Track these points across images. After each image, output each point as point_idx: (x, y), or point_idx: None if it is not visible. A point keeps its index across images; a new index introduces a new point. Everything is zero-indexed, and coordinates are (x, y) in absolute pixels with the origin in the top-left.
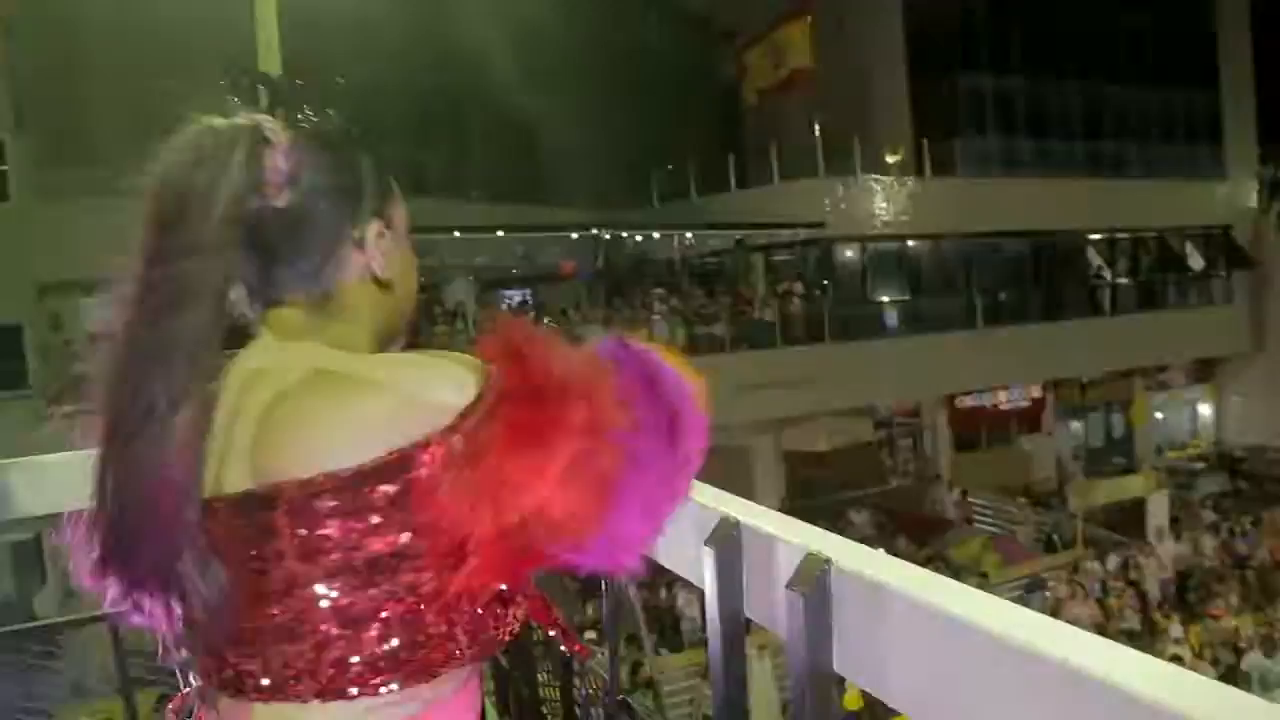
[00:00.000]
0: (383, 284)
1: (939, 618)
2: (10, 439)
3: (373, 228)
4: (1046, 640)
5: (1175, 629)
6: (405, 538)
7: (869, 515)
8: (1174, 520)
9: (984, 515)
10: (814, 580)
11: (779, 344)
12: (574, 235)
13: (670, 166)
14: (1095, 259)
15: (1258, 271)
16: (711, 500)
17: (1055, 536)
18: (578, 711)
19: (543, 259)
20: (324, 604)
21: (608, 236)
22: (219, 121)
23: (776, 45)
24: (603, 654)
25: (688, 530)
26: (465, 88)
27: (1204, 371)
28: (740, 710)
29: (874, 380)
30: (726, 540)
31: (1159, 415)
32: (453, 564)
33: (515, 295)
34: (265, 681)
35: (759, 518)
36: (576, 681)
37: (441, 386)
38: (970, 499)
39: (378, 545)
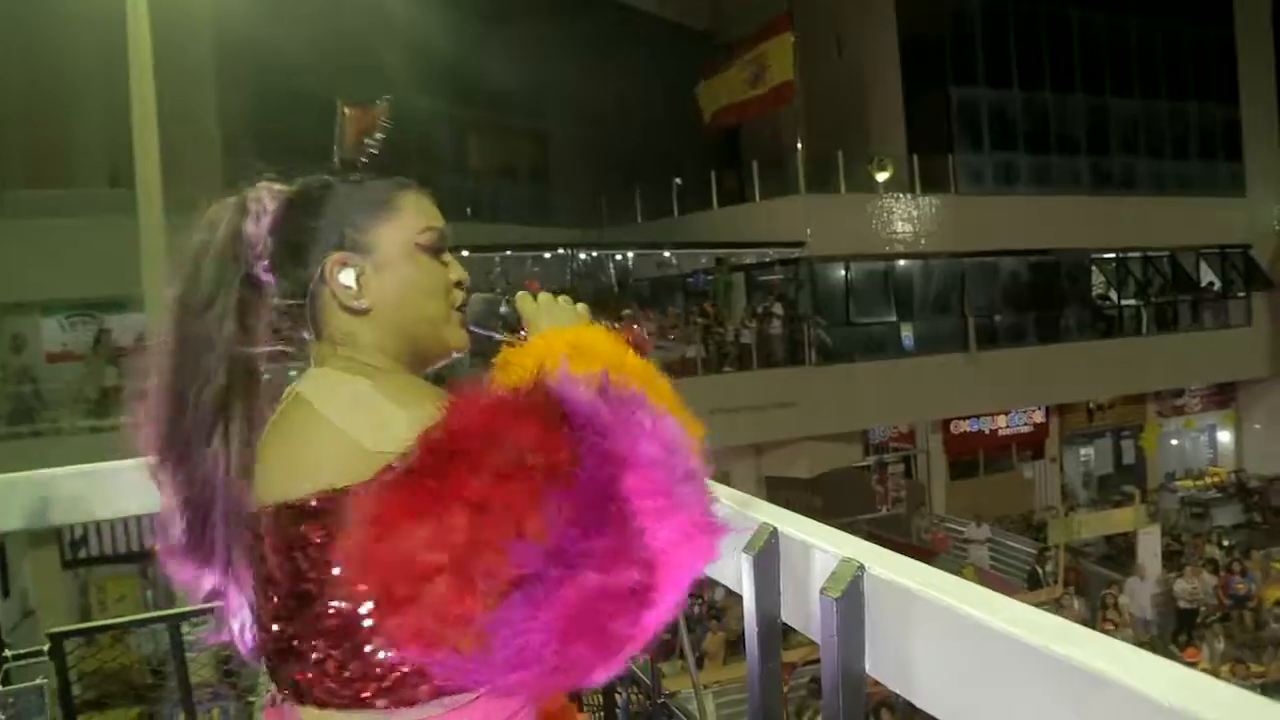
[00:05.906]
0: (354, 312)
1: (968, 622)
2: None
3: (333, 259)
4: (1072, 645)
5: None
6: (330, 577)
7: None
8: (1177, 555)
9: (964, 546)
10: (848, 585)
11: (754, 366)
12: (546, 255)
13: (678, 182)
14: (1101, 278)
15: (1279, 292)
16: (748, 508)
17: (1040, 570)
18: (619, 715)
19: (523, 277)
20: (312, 623)
21: (584, 256)
22: (227, 200)
23: (757, 61)
24: (644, 658)
25: (726, 539)
26: (447, 107)
27: (1223, 397)
28: (775, 711)
29: (856, 404)
30: (764, 547)
31: (1174, 442)
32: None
33: None
34: (298, 688)
35: (795, 525)
36: (618, 686)
37: (384, 439)
38: (950, 528)
39: (308, 581)
